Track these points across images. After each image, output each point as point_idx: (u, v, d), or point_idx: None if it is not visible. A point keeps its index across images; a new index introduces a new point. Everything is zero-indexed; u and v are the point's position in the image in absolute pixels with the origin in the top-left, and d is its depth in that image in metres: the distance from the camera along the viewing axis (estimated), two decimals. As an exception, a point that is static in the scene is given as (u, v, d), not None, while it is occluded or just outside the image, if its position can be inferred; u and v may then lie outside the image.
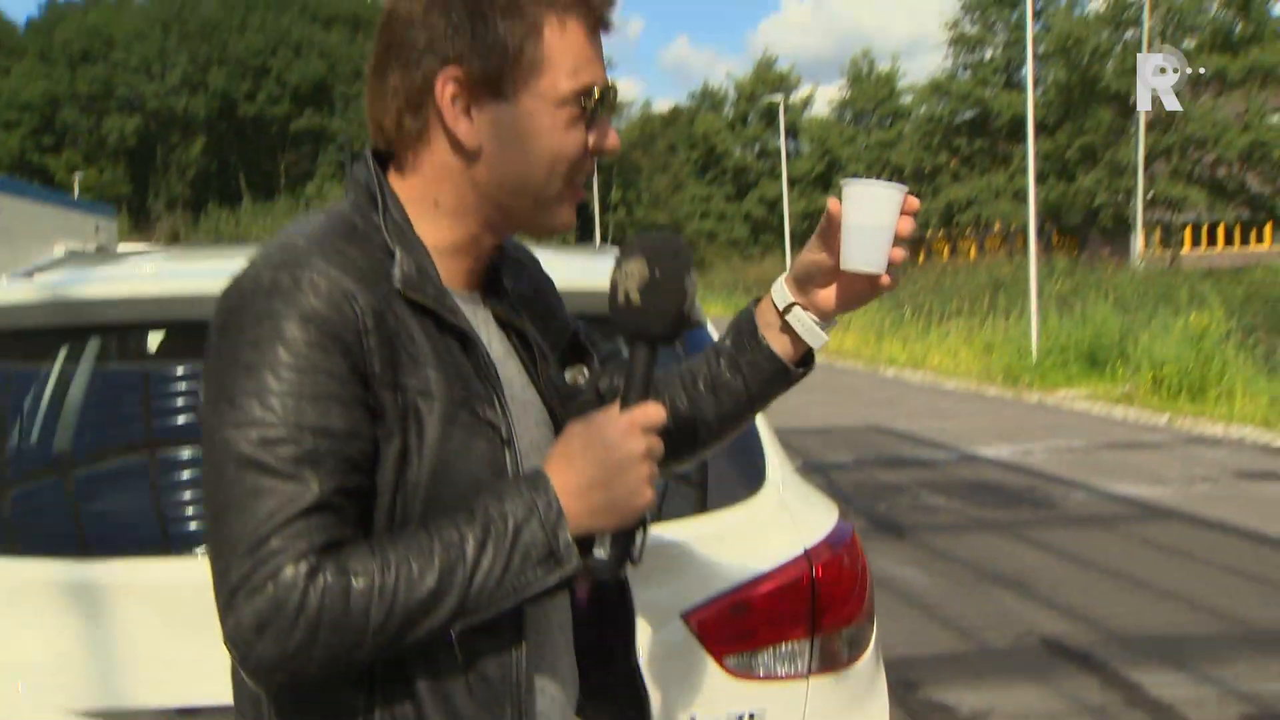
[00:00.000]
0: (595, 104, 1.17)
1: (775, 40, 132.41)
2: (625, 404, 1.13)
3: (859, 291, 1.26)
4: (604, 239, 49.57)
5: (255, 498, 1.01)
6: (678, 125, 61.09)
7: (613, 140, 1.20)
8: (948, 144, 43.83)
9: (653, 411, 1.12)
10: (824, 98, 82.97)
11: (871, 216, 1.20)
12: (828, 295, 1.28)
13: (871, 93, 52.24)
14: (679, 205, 55.21)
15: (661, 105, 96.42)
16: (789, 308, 1.29)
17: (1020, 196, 37.11)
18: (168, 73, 59.04)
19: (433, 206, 1.18)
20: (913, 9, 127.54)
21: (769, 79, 55.10)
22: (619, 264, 1.16)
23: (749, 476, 2.01)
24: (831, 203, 1.23)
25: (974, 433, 10.82)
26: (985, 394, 14.41)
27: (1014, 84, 41.67)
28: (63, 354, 2.19)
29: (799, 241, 42.87)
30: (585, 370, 1.34)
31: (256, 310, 1.05)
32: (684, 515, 1.96)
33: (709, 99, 58.79)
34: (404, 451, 1.08)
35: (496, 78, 1.13)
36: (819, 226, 1.25)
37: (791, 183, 41.24)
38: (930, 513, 7.43)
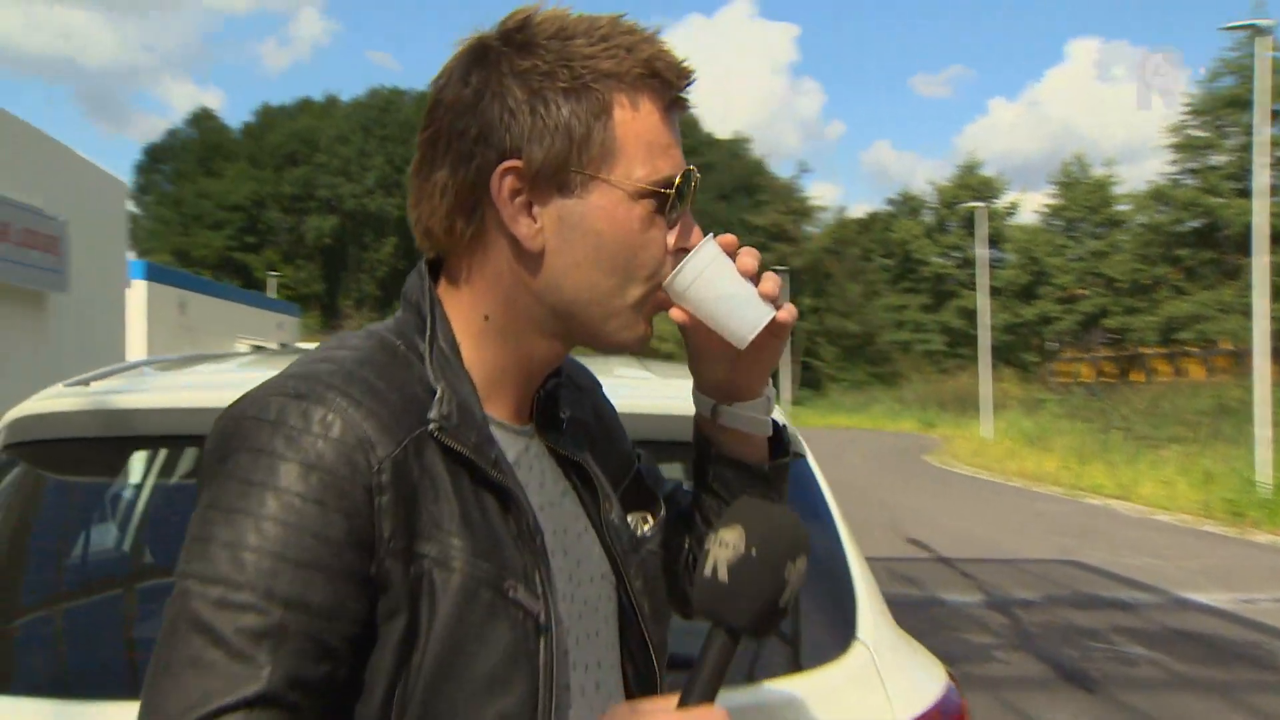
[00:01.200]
0: (674, 196, 1.00)
1: (982, 144, 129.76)
2: (685, 699, 0.93)
3: (765, 349, 1.10)
4: (792, 348, 49.14)
5: (194, 670, 0.84)
6: (873, 231, 60.51)
7: (696, 238, 1.03)
8: (1169, 255, 41.64)
9: (715, 717, 0.92)
10: (1031, 204, 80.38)
11: (715, 286, 1.03)
12: (738, 379, 1.13)
13: (1084, 199, 50.38)
14: (872, 314, 54.30)
15: (858, 210, 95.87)
16: (715, 411, 1.15)
17: (1250, 313, 34.64)
18: (365, 174, 63.17)
19: (482, 321, 1.03)
20: (1129, 112, 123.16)
21: (972, 183, 54.03)
22: (715, 531, 0.97)
23: (836, 633, 1.72)
24: (673, 314, 1.06)
25: (1187, 575, 9.82)
26: (1203, 530, 13.25)
27: (1248, 191, 39.31)
28: (110, 465, 2.08)
29: (1000, 356, 41.34)
30: (648, 517, 1.16)
31: (254, 445, 0.90)
32: (768, 676, 1.69)
33: (907, 204, 58.09)
34: (411, 632, 0.91)
35: (561, 168, 0.98)
36: (689, 346, 1.12)
37: (995, 293, 39.94)
38: (1128, 664, 6.68)
